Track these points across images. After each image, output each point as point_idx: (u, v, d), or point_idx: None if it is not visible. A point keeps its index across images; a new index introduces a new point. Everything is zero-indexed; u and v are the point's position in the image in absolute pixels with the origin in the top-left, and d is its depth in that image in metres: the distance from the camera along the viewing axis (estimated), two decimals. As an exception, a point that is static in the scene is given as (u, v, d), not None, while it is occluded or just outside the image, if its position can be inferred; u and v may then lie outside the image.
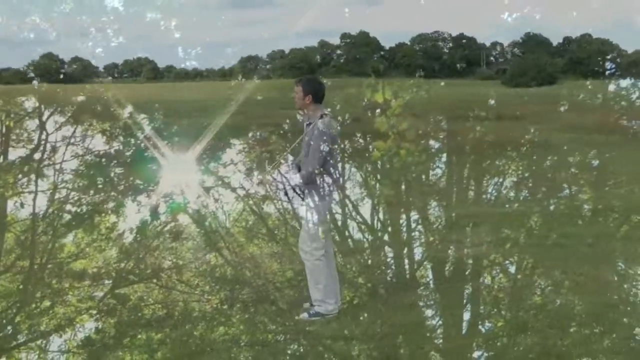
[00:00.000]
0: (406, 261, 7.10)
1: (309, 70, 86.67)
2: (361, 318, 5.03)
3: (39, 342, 4.53)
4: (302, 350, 4.44)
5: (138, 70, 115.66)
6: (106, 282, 5.84)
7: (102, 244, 7.24)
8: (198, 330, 4.69)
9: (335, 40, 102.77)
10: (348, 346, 4.50)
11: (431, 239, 8.13)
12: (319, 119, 4.74)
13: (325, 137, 4.67)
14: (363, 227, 8.97)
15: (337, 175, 5.05)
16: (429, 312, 5.45)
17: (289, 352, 4.42)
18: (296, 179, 4.73)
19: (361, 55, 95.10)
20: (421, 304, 5.58)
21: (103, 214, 8.80)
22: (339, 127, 5.02)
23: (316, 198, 4.81)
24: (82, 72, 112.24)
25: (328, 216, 5.03)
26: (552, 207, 9.76)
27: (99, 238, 7.52)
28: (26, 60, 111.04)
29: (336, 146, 5.03)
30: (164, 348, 4.35)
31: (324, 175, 4.75)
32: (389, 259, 7.12)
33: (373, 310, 5.20)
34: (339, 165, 5.12)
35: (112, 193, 10.64)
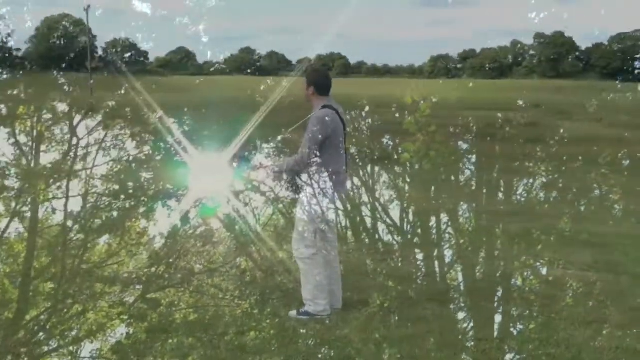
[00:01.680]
0: (436, 263, 7.01)
1: (500, 71, 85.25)
2: (392, 321, 4.98)
3: (70, 348, 4.56)
4: (332, 354, 4.39)
5: (330, 65, 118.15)
6: (137, 287, 5.87)
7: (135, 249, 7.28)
8: (229, 335, 4.68)
9: (529, 40, 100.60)
10: (378, 350, 4.44)
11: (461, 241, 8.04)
12: (320, 110, 4.69)
13: (318, 124, 4.57)
14: (392, 229, 8.90)
15: (339, 173, 4.73)
16: (460, 315, 5.37)
17: (319, 356, 4.38)
18: (288, 164, 4.66)
19: (555, 56, 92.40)
20: (452, 307, 5.50)
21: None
22: (339, 123, 4.74)
23: (308, 195, 4.72)
24: (276, 65, 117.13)
25: (327, 214, 4.76)
26: None
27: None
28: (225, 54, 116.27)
29: (338, 141, 4.71)
30: (195, 353, 4.34)
31: (320, 172, 4.62)
32: (419, 262, 7.04)
33: (403, 313, 5.14)
34: (342, 163, 4.88)
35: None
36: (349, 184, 5.15)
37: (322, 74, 4.87)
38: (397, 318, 5.08)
